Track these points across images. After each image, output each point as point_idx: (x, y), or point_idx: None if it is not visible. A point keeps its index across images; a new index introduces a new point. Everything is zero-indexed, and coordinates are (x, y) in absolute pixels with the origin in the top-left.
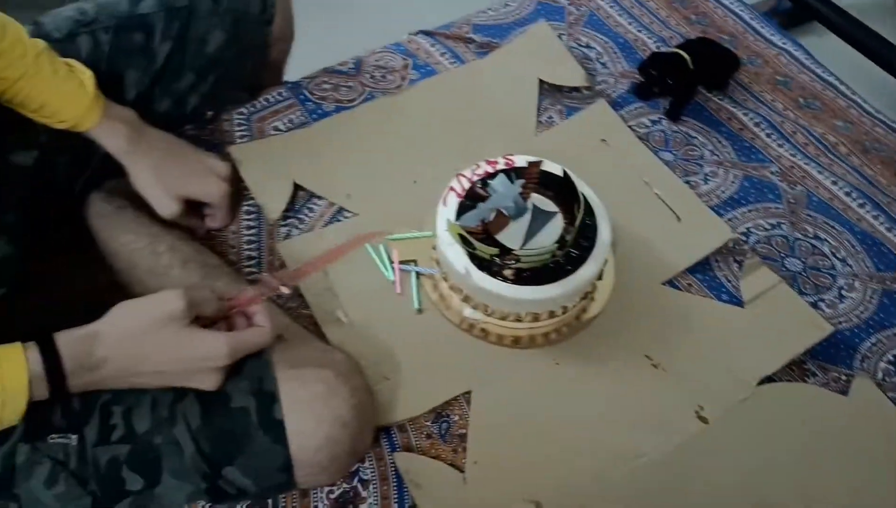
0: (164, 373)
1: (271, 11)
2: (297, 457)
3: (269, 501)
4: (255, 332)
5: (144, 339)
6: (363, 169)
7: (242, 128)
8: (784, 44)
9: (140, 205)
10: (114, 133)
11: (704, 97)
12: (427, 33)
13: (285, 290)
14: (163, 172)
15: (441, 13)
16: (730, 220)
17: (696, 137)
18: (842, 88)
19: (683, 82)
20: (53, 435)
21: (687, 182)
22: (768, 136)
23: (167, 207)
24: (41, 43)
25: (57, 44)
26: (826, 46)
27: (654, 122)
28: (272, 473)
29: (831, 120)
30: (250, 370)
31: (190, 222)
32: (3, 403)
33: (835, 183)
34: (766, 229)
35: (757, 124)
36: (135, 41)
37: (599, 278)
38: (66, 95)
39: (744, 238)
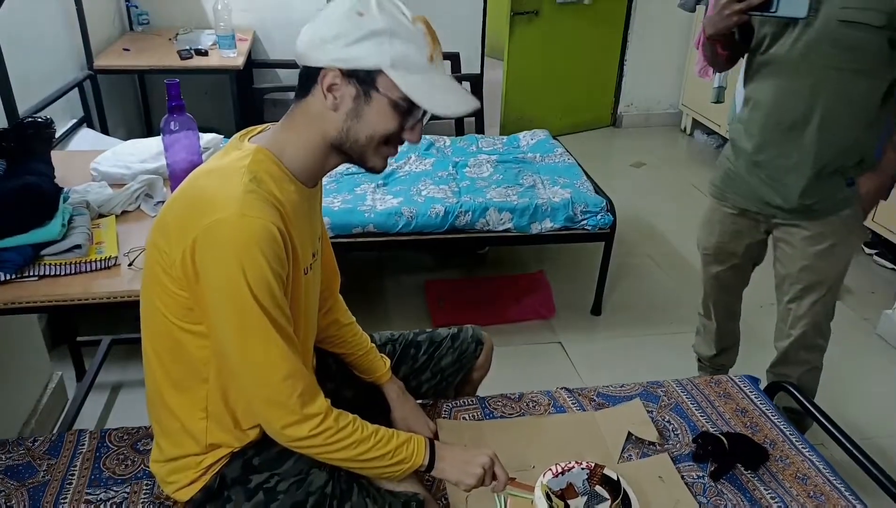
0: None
1: (479, 350)
2: None
3: None
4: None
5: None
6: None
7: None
8: (810, 455)
9: None
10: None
11: (740, 472)
12: (569, 391)
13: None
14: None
15: None
16: None
17: (725, 493)
18: (846, 493)
19: (722, 458)
20: None
21: None
22: (778, 506)
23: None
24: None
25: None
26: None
27: (699, 476)
28: None
29: None
30: None
31: None
32: (414, 455)
33: None
34: None
35: (773, 499)
36: (411, 354)
37: None
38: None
39: None
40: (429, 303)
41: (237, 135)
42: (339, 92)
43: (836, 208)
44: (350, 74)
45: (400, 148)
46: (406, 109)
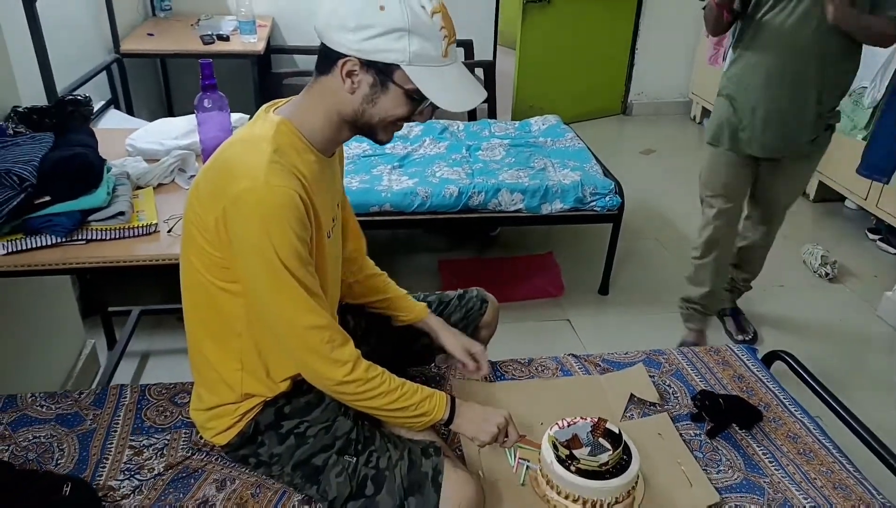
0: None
1: (485, 308)
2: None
3: None
4: None
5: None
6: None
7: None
8: (802, 417)
9: None
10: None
11: (735, 431)
12: (575, 356)
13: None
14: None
15: None
16: (724, 497)
17: (720, 450)
18: (834, 451)
19: (719, 417)
20: (346, 456)
21: (704, 471)
22: (770, 462)
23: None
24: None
25: None
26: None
27: (696, 434)
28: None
29: (819, 466)
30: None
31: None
32: (436, 408)
33: (805, 499)
34: None
35: (764, 455)
36: None
37: (635, 487)
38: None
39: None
40: (443, 281)
41: (264, 107)
42: (358, 78)
43: (819, 147)
44: (369, 65)
45: (413, 132)
46: (419, 99)
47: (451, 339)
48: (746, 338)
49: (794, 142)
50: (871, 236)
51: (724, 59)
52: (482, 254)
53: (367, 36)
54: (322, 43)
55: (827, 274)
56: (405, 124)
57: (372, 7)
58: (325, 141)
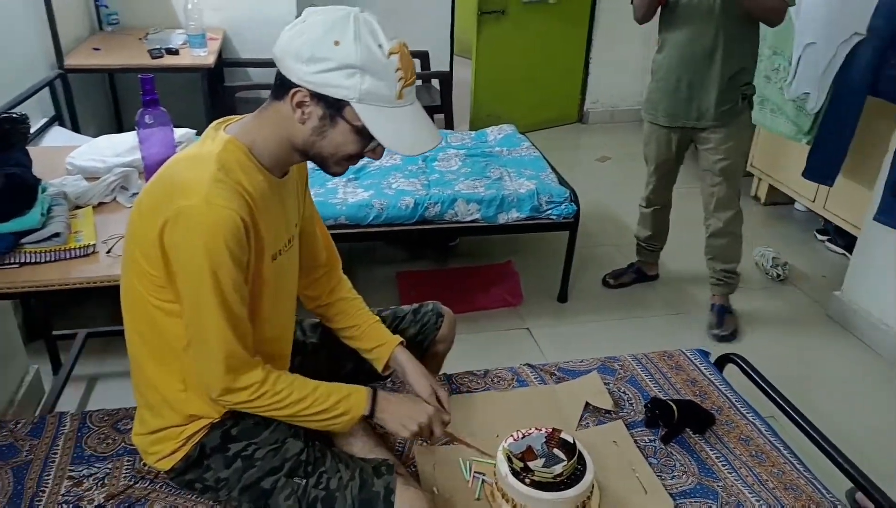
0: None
1: (440, 322)
2: None
3: None
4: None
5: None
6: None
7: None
8: (753, 419)
9: None
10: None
11: (689, 435)
12: (531, 366)
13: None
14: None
15: None
16: (679, 503)
17: (675, 455)
18: (785, 452)
19: (672, 423)
20: (296, 478)
21: (659, 477)
22: (723, 465)
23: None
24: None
25: None
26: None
27: (651, 440)
28: None
29: (770, 468)
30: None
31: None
32: (354, 407)
33: (758, 501)
34: None
35: (717, 458)
36: None
37: (590, 497)
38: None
39: None
40: (401, 293)
41: (214, 124)
42: (308, 109)
43: (737, 115)
44: (318, 97)
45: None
46: (369, 136)
47: (421, 382)
48: (721, 334)
49: (708, 110)
50: (819, 237)
51: None
52: (442, 265)
53: (319, 69)
54: (277, 69)
55: (778, 275)
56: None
57: (327, 41)
58: (276, 162)
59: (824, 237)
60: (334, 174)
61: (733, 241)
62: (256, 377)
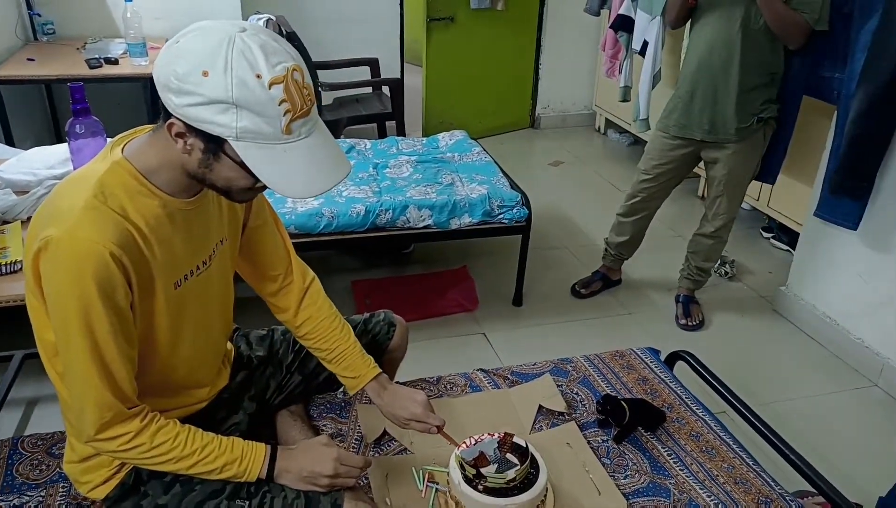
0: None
1: (392, 332)
2: None
3: None
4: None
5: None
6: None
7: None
8: (703, 415)
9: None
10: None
11: (641, 433)
12: (484, 371)
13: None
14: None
15: None
16: (632, 502)
17: (627, 454)
18: (734, 447)
19: (624, 422)
20: (238, 501)
21: (612, 477)
22: (675, 463)
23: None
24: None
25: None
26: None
27: (604, 441)
28: None
29: (721, 463)
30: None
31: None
32: (247, 472)
33: (709, 496)
34: None
35: (669, 455)
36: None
37: (544, 501)
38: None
39: None
40: (356, 302)
41: (115, 139)
42: (189, 141)
43: (750, 134)
44: (196, 131)
45: None
46: None
47: (401, 411)
48: (690, 323)
49: (721, 125)
50: (764, 234)
51: (619, 71)
52: (397, 272)
53: (190, 103)
54: None
55: (726, 273)
56: None
57: (196, 72)
58: (178, 187)
59: (769, 235)
60: (241, 202)
61: (718, 244)
62: (130, 427)
